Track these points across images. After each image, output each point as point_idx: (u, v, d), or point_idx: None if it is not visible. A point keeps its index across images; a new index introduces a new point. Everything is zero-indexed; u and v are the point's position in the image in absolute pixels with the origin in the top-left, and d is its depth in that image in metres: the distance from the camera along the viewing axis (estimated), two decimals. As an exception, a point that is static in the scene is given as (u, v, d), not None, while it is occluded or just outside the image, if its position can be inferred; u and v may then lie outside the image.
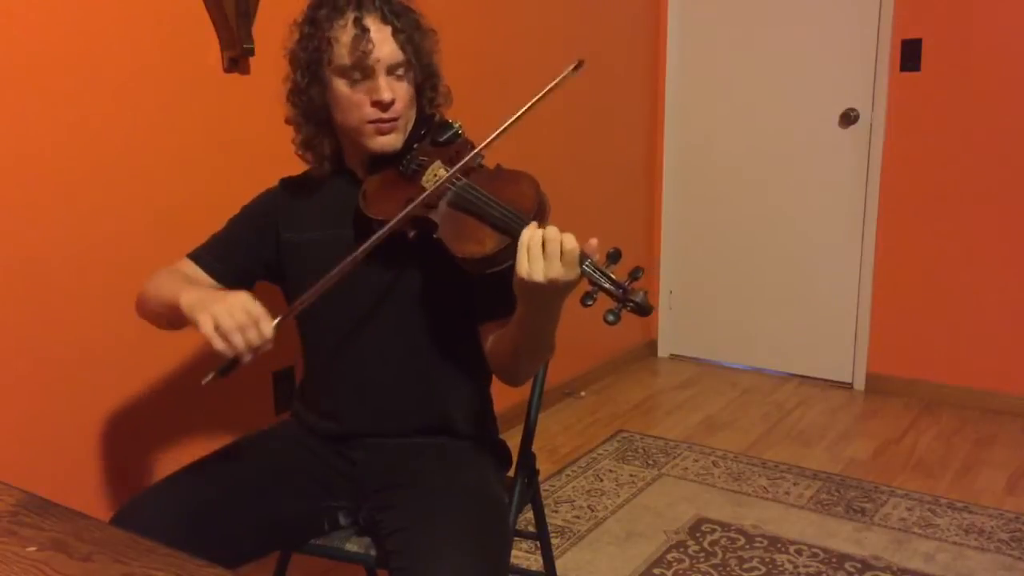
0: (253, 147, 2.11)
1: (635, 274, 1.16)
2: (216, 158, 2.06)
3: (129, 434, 1.96)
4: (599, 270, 1.16)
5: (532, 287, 1.16)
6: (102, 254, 1.86)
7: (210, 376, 1.23)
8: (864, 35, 3.41)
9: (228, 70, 2.05)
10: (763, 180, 3.74)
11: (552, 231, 1.15)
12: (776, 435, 3.14)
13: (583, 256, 1.16)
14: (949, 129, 3.30)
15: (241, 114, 2.09)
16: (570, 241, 1.14)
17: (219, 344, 1.18)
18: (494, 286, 1.32)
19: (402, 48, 1.38)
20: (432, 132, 1.45)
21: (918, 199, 3.40)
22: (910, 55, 3.32)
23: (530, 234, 1.17)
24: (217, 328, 1.18)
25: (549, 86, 1.34)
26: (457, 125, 1.45)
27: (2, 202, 1.68)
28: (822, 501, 2.61)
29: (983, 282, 3.31)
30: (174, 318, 1.32)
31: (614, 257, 1.17)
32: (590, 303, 1.15)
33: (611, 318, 1.14)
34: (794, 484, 2.73)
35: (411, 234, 1.34)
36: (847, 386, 3.64)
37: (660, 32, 3.87)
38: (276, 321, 1.23)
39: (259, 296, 1.63)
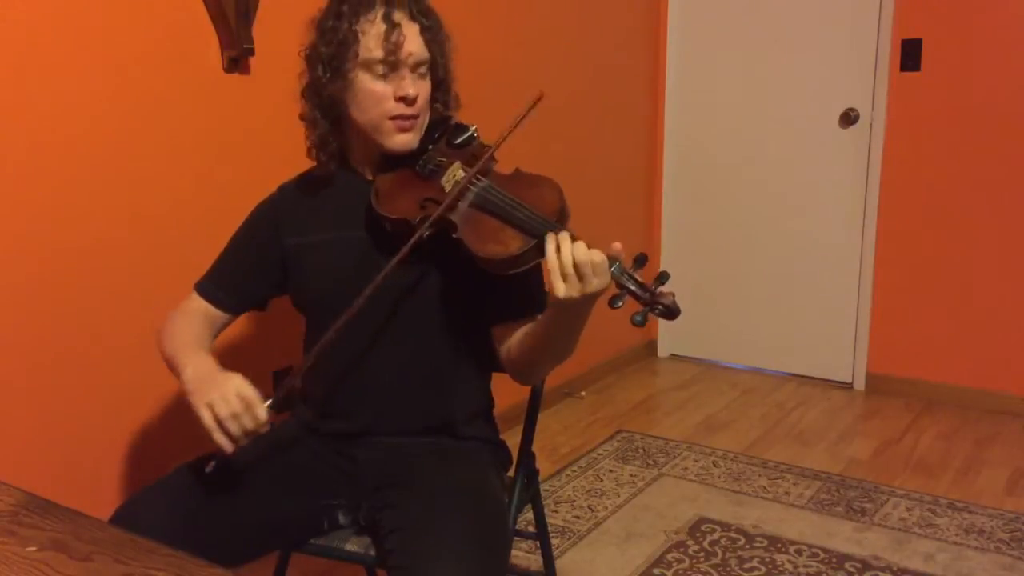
0: (253, 147, 2.11)
1: (661, 278, 1.18)
2: (216, 158, 2.06)
3: (129, 434, 1.96)
4: (626, 273, 1.19)
5: (570, 304, 1.20)
6: (102, 254, 1.86)
7: (212, 464, 1.30)
8: (864, 35, 3.41)
9: (228, 70, 2.05)
10: (763, 180, 3.73)
11: (580, 253, 1.17)
12: (776, 435, 3.14)
13: (611, 260, 1.18)
14: (949, 129, 3.30)
15: (241, 114, 2.09)
16: (598, 256, 1.17)
17: (218, 437, 1.23)
18: (511, 288, 1.33)
19: (428, 47, 1.40)
20: (448, 134, 1.46)
21: (918, 199, 3.40)
22: (910, 55, 3.33)
23: (556, 259, 1.18)
24: (214, 417, 1.23)
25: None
26: (473, 128, 1.45)
27: (1, 202, 1.69)
28: (822, 501, 2.61)
29: (983, 282, 3.31)
30: (177, 378, 1.39)
31: (640, 261, 1.20)
32: (619, 304, 1.18)
33: (638, 319, 1.16)
34: (794, 484, 2.72)
35: (426, 234, 1.32)
36: (847, 386, 3.63)
37: (660, 32, 3.87)
38: (268, 403, 1.26)
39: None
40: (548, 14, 3.18)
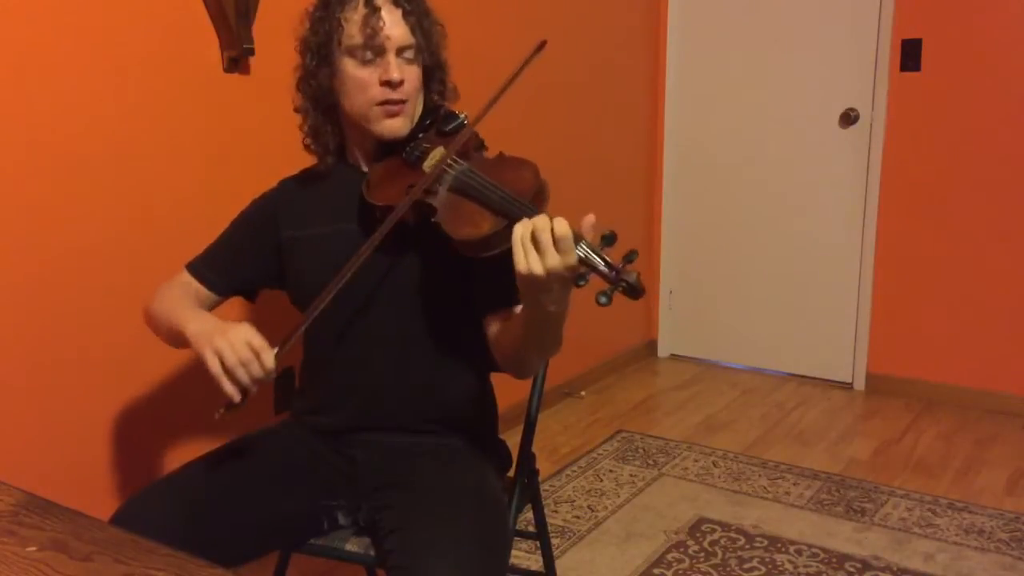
0: (253, 147, 2.11)
1: (629, 256, 1.13)
2: (216, 158, 2.06)
3: (129, 434, 1.96)
4: (593, 250, 1.14)
5: (534, 281, 1.13)
6: (102, 255, 1.86)
7: (220, 411, 1.26)
8: (864, 35, 3.41)
9: (228, 70, 2.05)
10: (763, 180, 3.74)
11: (542, 220, 1.12)
12: (776, 435, 3.14)
13: (577, 238, 1.13)
14: (949, 129, 3.30)
15: (241, 114, 2.09)
16: (561, 226, 1.11)
17: (225, 384, 1.21)
18: (494, 275, 1.31)
19: (412, 31, 1.40)
20: (438, 122, 1.46)
21: (918, 199, 3.40)
22: (910, 55, 3.33)
23: (522, 229, 1.14)
24: (222, 363, 1.21)
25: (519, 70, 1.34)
26: (463, 116, 1.45)
27: (2, 202, 1.69)
28: (822, 501, 2.61)
29: (983, 281, 3.31)
30: (179, 342, 1.37)
31: (609, 240, 1.14)
32: (582, 283, 1.13)
33: (603, 300, 1.11)
34: (794, 484, 2.72)
35: (411, 219, 1.33)
36: (847, 386, 3.64)
37: (660, 32, 3.87)
38: (276, 351, 1.24)
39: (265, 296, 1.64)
40: (548, 14, 3.18)
